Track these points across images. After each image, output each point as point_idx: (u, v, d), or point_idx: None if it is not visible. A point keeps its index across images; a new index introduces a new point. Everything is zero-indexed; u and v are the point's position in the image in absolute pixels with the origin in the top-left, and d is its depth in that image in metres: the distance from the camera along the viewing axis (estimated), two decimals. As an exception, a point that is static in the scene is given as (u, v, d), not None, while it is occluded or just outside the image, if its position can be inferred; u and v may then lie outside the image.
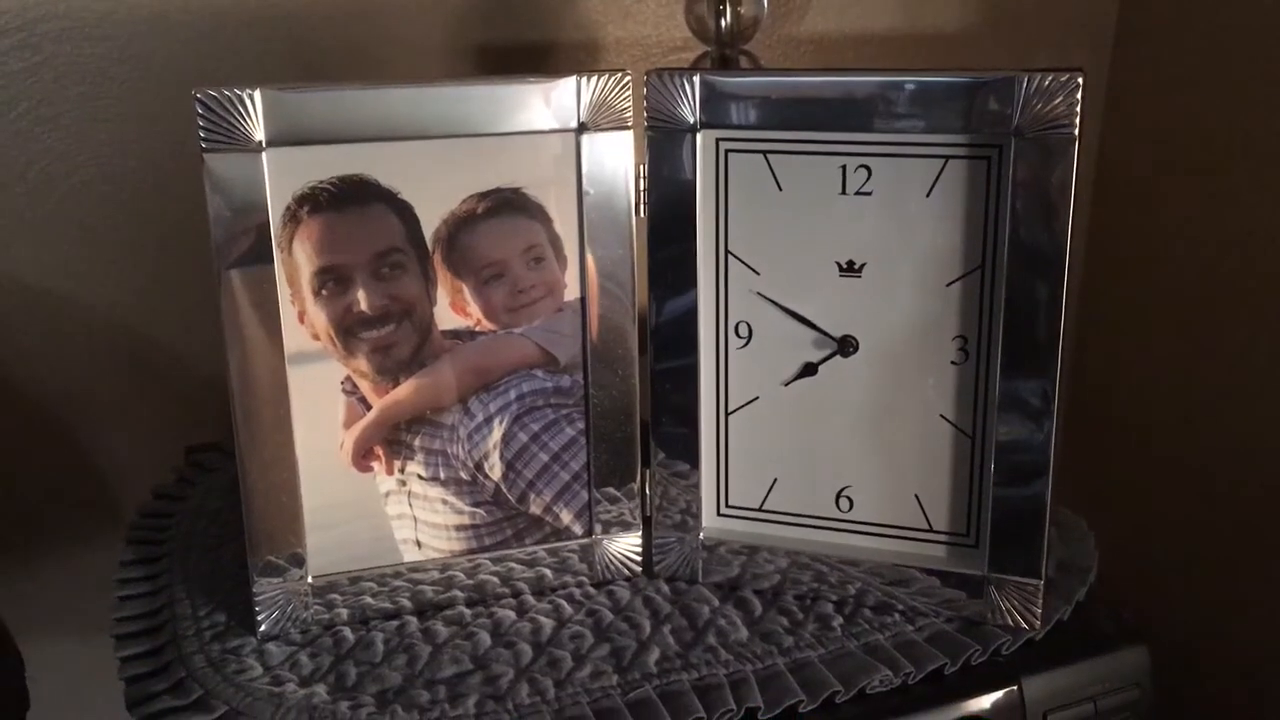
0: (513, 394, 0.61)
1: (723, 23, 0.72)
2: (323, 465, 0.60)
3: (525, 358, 0.61)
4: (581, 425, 0.63)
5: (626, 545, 0.65)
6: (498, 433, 0.61)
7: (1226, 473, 0.93)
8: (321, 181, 0.57)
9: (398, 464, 0.61)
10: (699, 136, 0.59)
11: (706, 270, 0.62)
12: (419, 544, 0.62)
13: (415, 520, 0.62)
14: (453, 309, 0.60)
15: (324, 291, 0.58)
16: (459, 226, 0.59)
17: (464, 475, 0.62)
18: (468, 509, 0.62)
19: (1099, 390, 1.05)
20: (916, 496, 0.62)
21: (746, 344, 0.62)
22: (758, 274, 0.61)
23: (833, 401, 0.62)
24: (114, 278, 0.81)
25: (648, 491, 0.65)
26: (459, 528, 0.62)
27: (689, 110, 0.59)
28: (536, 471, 0.62)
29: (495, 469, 0.62)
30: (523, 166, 0.59)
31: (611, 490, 0.64)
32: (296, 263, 0.57)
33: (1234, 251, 0.90)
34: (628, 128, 0.60)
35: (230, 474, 0.64)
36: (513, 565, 0.64)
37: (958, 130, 0.56)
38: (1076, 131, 0.53)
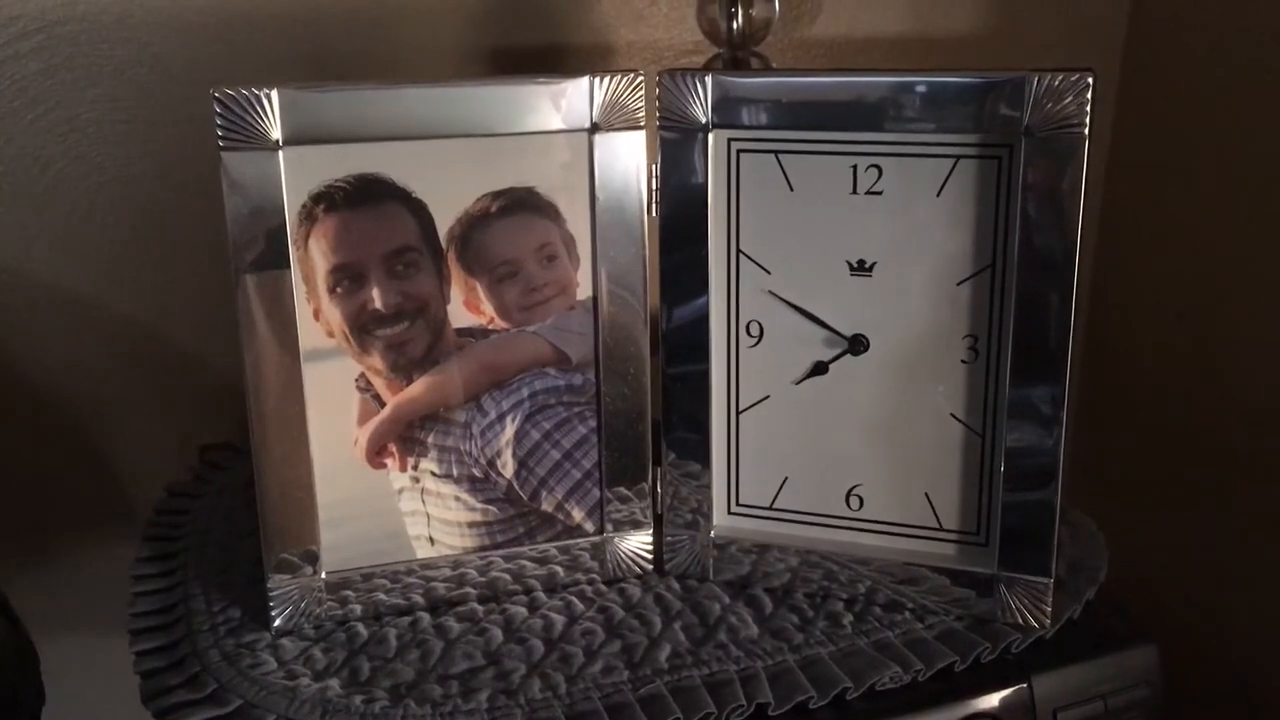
0: (525, 392, 0.62)
1: (734, 25, 0.72)
2: (337, 462, 0.60)
3: (538, 356, 0.62)
4: (593, 423, 0.63)
5: (637, 543, 0.65)
6: (510, 430, 0.62)
7: (1237, 472, 0.93)
8: (337, 180, 0.57)
9: (411, 461, 0.61)
10: (711, 136, 0.60)
11: (718, 269, 0.62)
12: (432, 540, 0.63)
13: (428, 517, 0.62)
14: (466, 307, 0.60)
15: (339, 289, 0.58)
16: (473, 225, 0.60)
17: (476, 472, 0.62)
18: (480, 506, 0.63)
19: (1110, 389, 1.05)
20: (926, 495, 0.62)
21: (757, 343, 0.63)
22: (769, 273, 0.62)
23: (843, 400, 0.62)
24: (130, 276, 0.81)
25: (659, 490, 0.65)
26: (471, 524, 0.63)
27: (701, 110, 0.59)
28: (549, 469, 0.63)
29: (508, 466, 0.62)
30: (536, 166, 0.60)
31: (622, 489, 0.64)
32: (312, 260, 0.58)
33: (1245, 251, 0.90)
34: (640, 128, 0.60)
35: (244, 472, 0.65)
36: (524, 562, 0.64)
37: (968, 130, 0.56)
38: (1087, 131, 0.54)
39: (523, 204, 0.60)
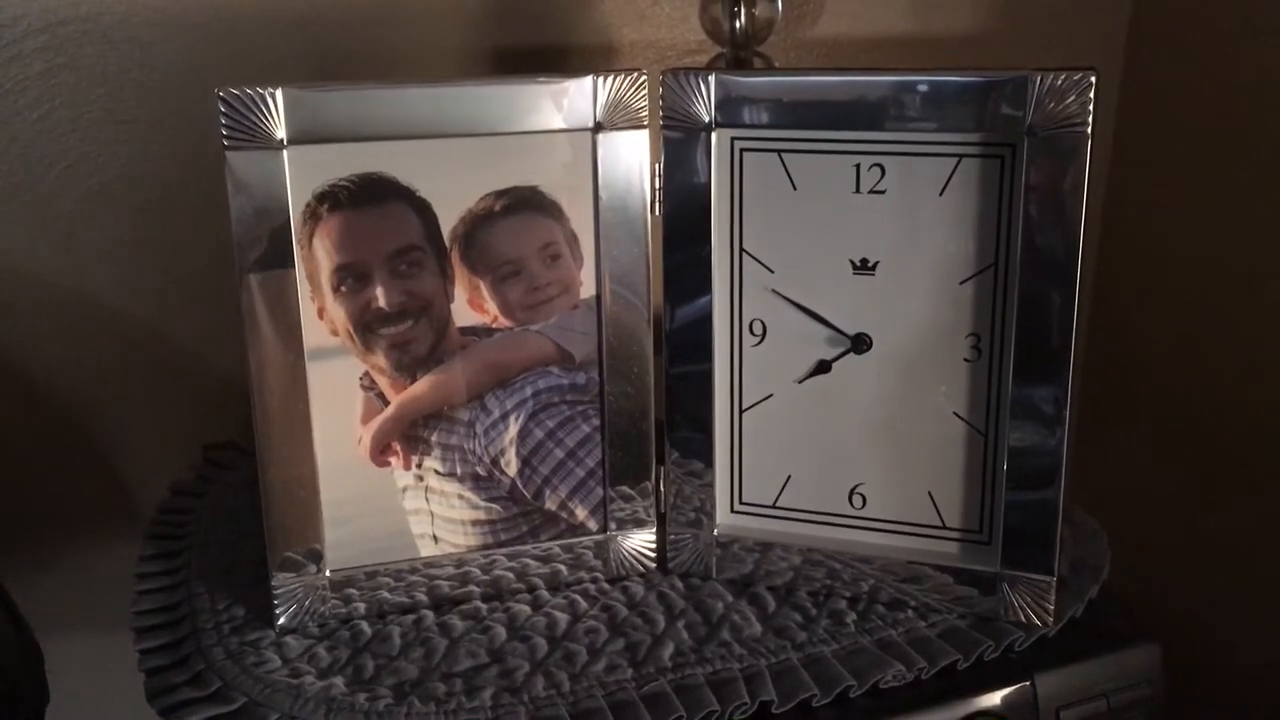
0: (529, 390, 0.62)
1: (737, 24, 0.72)
2: (341, 461, 0.60)
3: (541, 355, 0.62)
4: (597, 422, 0.63)
5: (641, 541, 0.65)
6: (514, 429, 0.62)
7: (1239, 471, 0.93)
8: (341, 179, 0.57)
9: (415, 459, 0.62)
10: (714, 136, 0.60)
11: (721, 268, 0.62)
12: (435, 539, 0.63)
13: (432, 515, 0.62)
14: (470, 306, 0.61)
15: (343, 288, 0.58)
16: (476, 224, 0.60)
17: (480, 471, 0.62)
18: (484, 504, 0.63)
19: (1112, 388, 1.05)
20: (929, 494, 0.62)
21: (761, 342, 0.63)
22: (772, 272, 0.62)
23: (846, 399, 0.62)
24: (133, 275, 0.81)
25: (662, 488, 0.65)
26: (475, 523, 0.63)
27: (704, 110, 0.60)
28: (552, 468, 0.63)
29: (511, 465, 0.62)
30: (539, 165, 0.60)
31: (626, 488, 0.64)
32: (316, 259, 0.58)
33: (1248, 250, 0.90)
34: (643, 127, 0.60)
35: (248, 472, 0.65)
36: (528, 561, 0.64)
37: (971, 129, 0.56)
38: (1089, 130, 0.54)
39: (526, 203, 0.60)
